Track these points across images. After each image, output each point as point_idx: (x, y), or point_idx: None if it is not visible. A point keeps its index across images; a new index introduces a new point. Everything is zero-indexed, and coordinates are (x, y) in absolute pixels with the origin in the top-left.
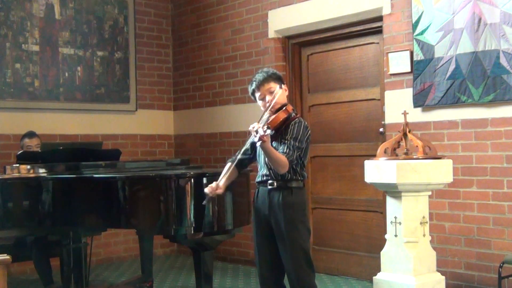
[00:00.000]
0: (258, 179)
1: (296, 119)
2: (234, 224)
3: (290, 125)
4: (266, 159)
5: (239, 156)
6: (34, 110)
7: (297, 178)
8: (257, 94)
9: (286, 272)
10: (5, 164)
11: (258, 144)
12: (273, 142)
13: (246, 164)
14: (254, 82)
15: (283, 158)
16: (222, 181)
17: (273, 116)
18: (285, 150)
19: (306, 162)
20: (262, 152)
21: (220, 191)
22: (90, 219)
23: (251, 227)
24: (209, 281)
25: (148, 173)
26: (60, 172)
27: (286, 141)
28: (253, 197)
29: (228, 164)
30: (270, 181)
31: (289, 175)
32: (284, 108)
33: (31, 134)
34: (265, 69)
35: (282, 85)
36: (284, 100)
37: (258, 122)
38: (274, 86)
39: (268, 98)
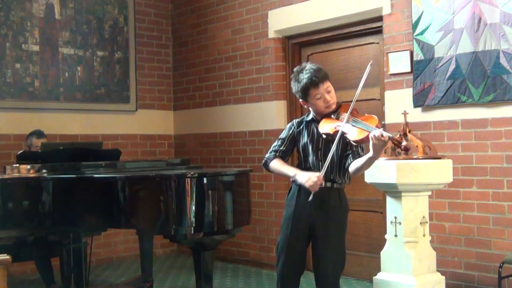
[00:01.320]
0: None
1: None
2: (234, 224)
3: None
4: (320, 162)
5: (281, 155)
6: (34, 110)
7: (345, 180)
8: (314, 93)
9: (321, 273)
10: (5, 164)
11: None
12: (333, 145)
13: (286, 160)
14: (311, 79)
15: None
16: (321, 173)
17: (376, 120)
18: (360, 153)
19: None
20: (372, 160)
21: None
22: (90, 219)
23: (256, 227)
24: (209, 281)
25: (148, 173)
26: (60, 172)
27: (353, 145)
28: (287, 194)
29: (277, 160)
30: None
31: (340, 179)
32: (355, 108)
33: (39, 134)
34: (313, 66)
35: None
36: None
37: (340, 125)
38: (330, 84)
39: (328, 97)
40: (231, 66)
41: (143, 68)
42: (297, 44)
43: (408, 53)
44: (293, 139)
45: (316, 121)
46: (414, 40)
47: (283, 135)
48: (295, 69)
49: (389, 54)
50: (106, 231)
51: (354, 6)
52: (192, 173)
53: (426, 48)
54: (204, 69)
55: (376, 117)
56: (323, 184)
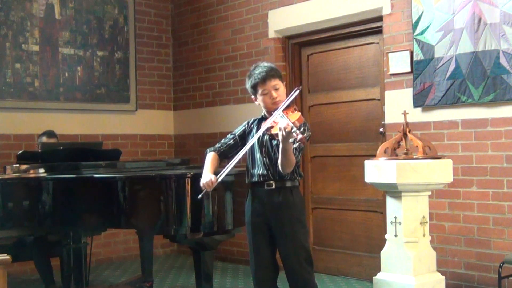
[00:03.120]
0: (253, 179)
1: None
2: (234, 224)
3: (301, 124)
4: (265, 158)
5: (224, 149)
6: (34, 110)
7: (295, 177)
8: (261, 89)
9: (287, 272)
10: (5, 164)
11: (295, 145)
12: (275, 140)
13: (230, 156)
14: (259, 75)
15: (294, 160)
16: (220, 177)
17: (297, 116)
18: (293, 151)
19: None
20: (282, 151)
21: (215, 184)
22: (90, 219)
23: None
24: (209, 281)
25: (148, 173)
26: (60, 172)
27: None
28: (245, 199)
29: (212, 154)
30: (268, 182)
31: (288, 175)
32: (295, 107)
33: (50, 134)
34: (266, 64)
35: (283, 83)
36: (285, 98)
37: (273, 121)
38: (279, 83)
39: (274, 94)
40: (231, 66)
41: (143, 68)
42: (297, 44)
43: (408, 53)
44: (243, 135)
45: (265, 118)
46: (414, 40)
47: (236, 130)
48: (251, 67)
49: (389, 54)
50: (106, 231)
51: (354, 6)
52: (192, 173)
53: (426, 48)
54: (204, 69)
55: (299, 114)
56: (273, 185)
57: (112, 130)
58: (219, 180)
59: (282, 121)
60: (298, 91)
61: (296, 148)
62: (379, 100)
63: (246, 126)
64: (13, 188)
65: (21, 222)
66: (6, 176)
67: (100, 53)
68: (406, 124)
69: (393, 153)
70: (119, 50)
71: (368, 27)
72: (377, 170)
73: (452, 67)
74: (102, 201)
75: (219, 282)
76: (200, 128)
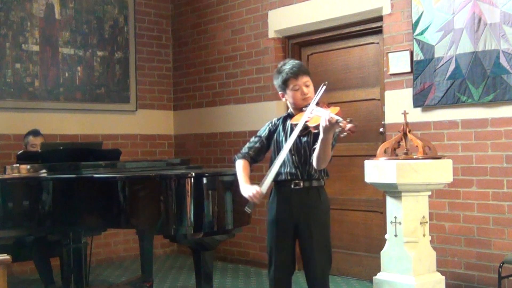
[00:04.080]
0: (280, 177)
1: None
2: (234, 224)
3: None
4: (295, 156)
5: (253, 154)
6: (34, 110)
7: (322, 176)
8: (292, 84)
9: (308, 271)
10: (5, 164)
11: (343, 135)
12: (305, 137)
13: (260, 159)
14: (291, 70)
15: (331, 154)
16: (265, 186)
17: (337, 109)
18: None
19: None
20: (322, 142)
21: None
22: (90, 219)
23: (256, 227)
24: (209, 281)
25: (148, 173)
26: (60, 172)
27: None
28: (269, 197)
29: (242, 162)
30: (296, 181)
31: (316, 174)
32: (328, 103)
33: (35, 132)
34: (295, 60)
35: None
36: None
37: (306, 113)
38: (309, 80)
39: (305, 90)
40: (231, 66)
41: (143, 68)
42: (297, 44)
43: (408, 53)
44: (269, 137)
45: (292, 116)
46: (414, 40)
47: (260, 132)
48: (278, 64)
49: (389, 54)
50: (106, 231)
51: (354, 6)
52: (192, 173)
53: (426, 48)
54: (204, 69)
55: (338, 108)
56: (302, 184)
57: (112, 130)
58: (264, 191)
59: (323, 113)
60: (324, 87)
61: (334, 139)
62: (379, 100)
63: (270, 125)
64: (13, 188)
65: (21, 222)
66: (6, 176)
67: (100, 53)
68: (406, 124)
69: (393, 153)
70: (119, 50)
71: (368, 27)
72: (377, 170)
73: (452, 67)
74: (102, 201)
75: (219, 282)
76: (200, 128)
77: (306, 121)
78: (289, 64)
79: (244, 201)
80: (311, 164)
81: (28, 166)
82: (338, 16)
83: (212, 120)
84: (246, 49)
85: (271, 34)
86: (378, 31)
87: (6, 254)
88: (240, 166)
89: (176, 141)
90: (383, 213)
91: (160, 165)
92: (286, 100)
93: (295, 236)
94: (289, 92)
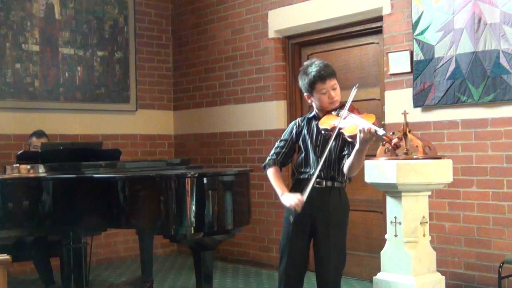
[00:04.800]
0: (302, 176)
1: None
2: (234, 224)
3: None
4: (319, 158)
5: (282, 159)
6: (34, 110)
7: (344, 179)
8: (320, 87)
9: (323, 273)
10: (5, 164)
11: (381, 144)
12: (334, 141)
13: (289, 163)
14: (318, 73)
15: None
16: (306, 194)
17: (373, 118)
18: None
19: None
20: (357, 153)
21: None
22: (90, 219)
23: (256, 227)
24: (209, 281)
25: (148, 173)
26: (60, 172)
27: (349, 145)
28: (290, 192)
29: (273, 169)
30: (318, 180)
31: (340, 177)
32: (357, 108)
33: (39, 134)
34: (321, 61)
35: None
36: None
37: (340, 119)
38: (336, 83)
39: (332, 94)
40: (231, 66)
41: (143, 68)
42: (297, 44)
43: (408, 53)
44: (296, 139)
45: (317, 118)
46: (414, 40)
47: (285, 135)
48: (304, 63)
49: (389, 54)
50: (106, 231)
51: (354, 6)
52: (192, 173)
53: (426, 48)
54: (204, 69)
55: (374, 116)
56: (324, 183)
57: (112, 130)
58: (305, 198)
59: (360, 122)
60: (356, 90)
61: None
62: (379, 100)
63: (295, 127)
64: (13, 188)
65: (21, 222)
66: (6, 176)
67: (100, 53)
68: (406, 124)
69: (393, 153)
70: (119, 50)
71: (368, 27)
72: (377, 170)
73: (452, 67)
74: (102, 201)
75: (219, 282)
76: (200, 128)
77: (341, 128)
78: (316, 66)
79: (244, 202)
80: (334, 167)
81: (28, 166)
82: (338, 16)
83: (212, 120)
84: (246, 49)
85: (271, 34)
86: (378, 31)
87: (6, 254)
88: (273, 175)
89: (176, 141)
90: (383, 213)
91: (160, 165)
92: (311, 102)
93: (310, 235)
94: (315, 95)
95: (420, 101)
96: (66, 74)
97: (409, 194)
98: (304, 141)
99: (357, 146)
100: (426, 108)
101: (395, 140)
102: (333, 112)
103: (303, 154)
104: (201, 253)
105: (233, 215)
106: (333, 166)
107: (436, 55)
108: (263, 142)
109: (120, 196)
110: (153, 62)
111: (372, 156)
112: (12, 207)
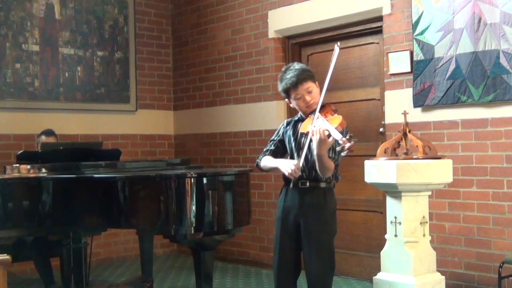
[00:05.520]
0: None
1: None
2: (234, 224)
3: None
4: (315, 164)
5: (269, 154)
6: (34, 110)
7: (331, 180)
8: (293, 94)
9: (308, 272)
10: (5, 164)
11: (344, 153)
12: (305, 143)
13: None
14: (290, 80)
15: (332, 164)
16: (300, 160)
17: (339, 120)
18: (331, 155)
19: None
20: (317, 157)
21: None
22: (90, 219)
23: (256, 227)
24: (209, 281)
25: (148, 173)
26: (60, 172)
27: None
28: (279, 195)
29: (264, 158)
30: (302, 181)
31: (323, 177)
32: (333, 108)
33: (48, 133)
34: (297, 66)
35: (316, 82)
36: (319, 98)
37: (312, 124)
38: (311, 85)
39: (307, 98)
40: (231, 66)
41: (143, 68)
42: (297, 44)
43: (408, 53)
44: (282, 140)
45: (302, 120)
46: (414, 40)
47: (273, 136)
48: (282, 68)
49: (389, 54)
50: (106, 231)
51: (354, 6)
52: (192, 173)
53: (426, 48)
54: (204, 69)
55: (341, 118)
56: (308, 184)
57: (112, 130)
58: (301, 162)
59: (324, 126)
60: (338, 49)
61: (334, 151)
62: (379, 100)
63: (282, 127)
64: (13, 188)
65: (21, 222)
66: (6, 176)
67: (100, 53)
68: (406, 124)
69: (393, 153)
70: (119, 50)
71: (368, 27)
72: (377, 170)
73: (452, 67)
74: (102, 201)
75: (219, 282)
76: (200, 128)
77: (307, 132)
78: (290, 72)
79: (244, 202)
80: (312, 169)
81: (28, 166)
82: (338, 16)
83: (212, 120)
84: (246, 49)
85: (271, 34)
86: (378, 31)
87: (6, 254)
88: (265, 160)
89: (176, 141)
90: (383, 213)
91: (160, 165)
92: (292, 106)
93: (298, 235)
94: (292, 101)
95: (420, 101)
96: (66, 74)
97: (409, 194)
98: (289, 142)
99: (315, 150)
100: (426, 108)
101: (348, 145)
102: (311, 115)
103: (289, 156)
104: (201, 253)
105: (233, 215)
106: (315, 168)
107: (436, 55)
108: (263, 142)
109: (120, 196)
110: (153, 62)
111: (372, 156)
112: (12, 207)
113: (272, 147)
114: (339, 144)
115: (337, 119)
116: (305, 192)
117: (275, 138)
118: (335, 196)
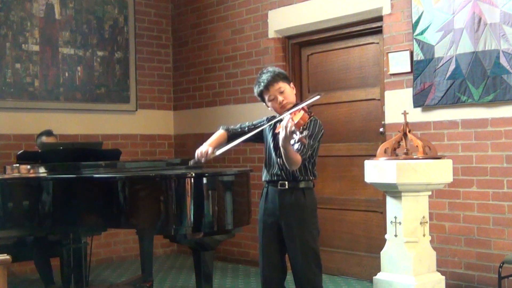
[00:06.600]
0: (268, 178)
1: (312, 117)
2: (234, 224)
3: (306, 123)
4: (280, 159)
5: (237, 132)
6: (34, 110)
7: (309, 178)
8: (266, 96)
9: (294, 273)
10: (5, 164)
11: (296, 146)
12: (269, 140)
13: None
14: (262, 83)
15: (298, 157)
16: (218, 151)
17: (300, 115)
18: (299, 148)
19: (316, 160)
20: (282, 150)
21: (210, 156)
22: (90, 219)
23: (255, 227)
24: (209, 281)
25: (148, 173)
26: (60, 172)
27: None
28: (260, 196)
29: (221, 132)
30: (281, 182)
31: (301, 176)
32: (305, 108)
33: (48, 133)
34: (270, 69)
35: (290, 84)
36: (294, 99)
37: (280, 122)
38: (283, 85)
39: (280, 98)
40: (231, 66)
41: (143, 68)
42: (297, 44)
43: (408, 53)
44: (261, 131)
45: (280, 120)
46: (414, 40)
47: (255, 121)
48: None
49: (389, 54)
50: (106, 231)
51: (354, 6)
52: (192, 173)
53: (426, 48)
54: (204, 69)
55: (303, 113)
56: (286, 185)
57: (112, 130)
58: (216, 154)
59: (284, 120)
60: (318, 97)
61: (300, 145)
62: (379, 100)
63: (265, 121)
64: (13, 188)
65: (21, 222)
66: (6, 176)
67: (100, 53)
68: (406, 124)
69: (393, 153)
70: (119, 50)
71: (368, 27)
72: (377, 170)
73: (452, 67)
74: (102, 201)
75: (219, 282)
76: (200, 128)
77: (275, 127)
78: (262, 75)
79: (244, 202)
80: (285, 168)
81: (28, 166)
82: (338, 16)
83: (212, 120)
84: (246, 49)
85: (271, 34)
86: (378, 31)
87: (6, 254)
88: (218, 133)
89: (176, 141)
90: (383, 213)
91: (160, 165)
92: (270, 109)
93: (281, 236)
94: (267, 103)
95: (420, 101)
96: (66, 74)
97: (409, 194)
98: (266, 141)
99: (279, 143)
100: (426, 108)
101: (299, 136)
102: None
103: (267, 155)
104: (201, 253)
105: (233, 215)
106: (285, 167)
107: (436, 55)
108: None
109: (120, 196)
110: (153, 62)
111: (372, 156)
112: (12, 207)
113: (246, 129)
114: (293, 137)
115: (299, 115)
116: (284, 193)
117: (255, 123)
118: (315, 195)
